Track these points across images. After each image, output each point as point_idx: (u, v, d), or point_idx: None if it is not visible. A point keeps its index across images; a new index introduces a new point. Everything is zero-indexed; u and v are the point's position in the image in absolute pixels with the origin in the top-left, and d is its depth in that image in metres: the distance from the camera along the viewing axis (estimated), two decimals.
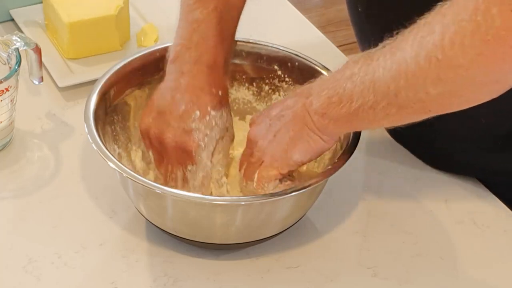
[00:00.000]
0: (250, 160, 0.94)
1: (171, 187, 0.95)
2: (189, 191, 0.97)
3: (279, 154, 0.91)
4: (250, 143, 0.94)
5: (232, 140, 1.00)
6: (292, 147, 0.91)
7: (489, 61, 0.76)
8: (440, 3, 0.79)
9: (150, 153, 0.99)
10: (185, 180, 0.97)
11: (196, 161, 0.96)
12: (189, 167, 0.97)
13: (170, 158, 0.97)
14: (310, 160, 0.92)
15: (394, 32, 0.83)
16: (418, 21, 0.81)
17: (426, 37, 0.78)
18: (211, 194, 0.98)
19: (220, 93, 0.97)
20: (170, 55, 0.98)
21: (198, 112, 0.95)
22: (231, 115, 1.00)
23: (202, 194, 0.96)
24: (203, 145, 0.96)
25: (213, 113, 0.96)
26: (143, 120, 0.98)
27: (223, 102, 0.97)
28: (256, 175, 0.93)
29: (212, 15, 0.98)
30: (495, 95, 0.80)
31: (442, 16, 0.78)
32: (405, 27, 0.82)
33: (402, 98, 0.82)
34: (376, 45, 0.85)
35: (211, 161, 0.96)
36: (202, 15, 0.97)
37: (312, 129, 0.89)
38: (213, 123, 0.96)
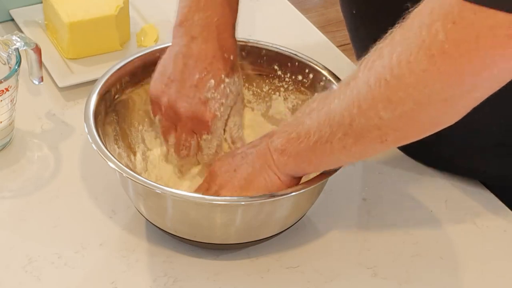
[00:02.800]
0: (206, 193, 0.93)
1: (184, 155, 0.96)
2: (202, 159, 0.97)
3: (233, 189, 0.91)
4: (210, 176, 0.94)
5: (243, 102, 1.00)
6: (248, 184, 0.90)
7: (435, 77, 0.74)
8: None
9: (157, 118, 0.98)
10: (198, 148, 0.97)
11: (212, 130, 0.96)
12: (204, 136, 0.97)
13: (185, 127, 0.96)
14: None
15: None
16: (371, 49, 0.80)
17: (376, 61, 0.78)
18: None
19: (231, 57, 0.97)
20: (177, 18, 0.97)
21: (213, 81, 0.95)
22: (241, 79, 1.00)
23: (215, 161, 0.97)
24: (219, 115, 0.96)
25: (227, 80, 0.96)
26: (153, 85, 0.97)
27: (234, 67, 0.97)
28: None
29: None
30: (456, 116, 0.78)
31: (391, 39, 0.77)
32: None
33: (356, 126, 0.80)
34: (371, 48, 0.84)
35: (224, 129, 0.96)
36: None
37: (271, 167, 0.89)
38: (228, 90, 0.96)
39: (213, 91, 0.95)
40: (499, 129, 0.99)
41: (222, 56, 0.96)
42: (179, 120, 0.97)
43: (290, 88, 1.05)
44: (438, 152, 1.05)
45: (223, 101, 0.96)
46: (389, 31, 0.78)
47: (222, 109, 0.96)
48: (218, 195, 0.92)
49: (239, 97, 0.99)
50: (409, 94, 0.76)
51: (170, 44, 1.00)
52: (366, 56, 0.80)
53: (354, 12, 1.05)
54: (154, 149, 1.03)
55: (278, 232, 0.95)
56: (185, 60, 0.95)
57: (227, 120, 0.98)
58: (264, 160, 0.89)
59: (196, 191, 0.96)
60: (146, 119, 1.04)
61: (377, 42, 0.81)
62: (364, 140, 0.82)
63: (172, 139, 0.99)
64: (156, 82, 0.97)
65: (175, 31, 0.97)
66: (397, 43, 0.76)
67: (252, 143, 0.93)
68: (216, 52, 0.95)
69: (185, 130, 0.97)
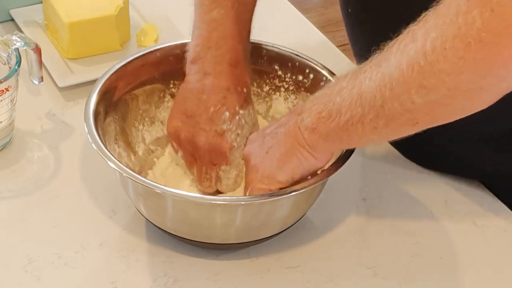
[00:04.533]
0: (246, 180, 0.94)
1: (206, 186, 0.98)
2: (222, 189, 0.99)
3: (269, 171, 0.91)
4: (245, 161, 0.95)
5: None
6: (282, 164, 0.90)
7: (470, 65, 0.74)
8: (425, 11, 0.78)
9: (179, 154, 0.99)
10: (218, 179, 0.98)
11: (230, 161, 0.97)
12: (222, 167, 0.97)
13: (204, 159, 0.97)
14: (301, 178, 0.91)
15: (380, 39, 0.82)
16: (403, 30, 0.80)
17: (408, 45, 0.77)
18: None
19: (245, 90, 0.98)
20: (190, 55, 0.98)
21: (227, 113, 0.96)
22: (255, 110, 1.01)
23: (233, 192, 0.98)
24: (236, 145, 0.97)
25: (241, 112, 0.97)
26: (170, 123, 0.98)
27: (248, 100, 0.98)
28: (248, 192, 0.93)
29: (230, 13, 0.98)
30: (485, 104, 0.78)
31: (424, 22, 0.77)
32: (394, 29, 0.81)
33: (388, 109, 0.80)
34: (366, 48, 0.84)
35: (242, 159, 0.97)
36: (220, 15, 0.97)
37: (303, 146, 0.89)
38: (243, 121, 0.97)
39: (229, 122, 0.96)
40: (496, 125, 1.00)
41: (235, 89, 0.97)
42: (198, 154, 0.98)
43: (291, 88, 1.05)
44: (436, 148, 1.05)
45: (239, 132, 0.97)
46: (422, 14, 0.77)
47: (238, 139, 0.97)
48: (254, 180, 0.92)
49: (254, 127, 0.99)
50: (443, 81, 0.76)
51: (170, 43, 1.01)
52: (398, 38, 0.80)
53: (349, 10, 1.05)
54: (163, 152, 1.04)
55: (278, 232, 0.95)
56: (199, 95, 0.97)
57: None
58: (295, 139, 0.89)
59: (246, 179, 0.95)
60: (147, 119, 1.04)
61: (372, 40, 0.81)
62: (395, 122, 0.82)
63: (194, 171, 1.00)
64: (172, 119, 0.99)
65: (188, 68, 0.99)
66: (432, 28, 0.75)
67: (279, 121, 0.93)
68: (229, 85, 0.97)
69: (205, 163, 0.98)
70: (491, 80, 0.75)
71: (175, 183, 1.01)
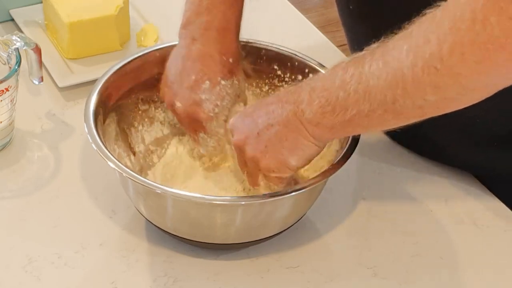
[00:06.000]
0: (248, 170, 0.94)
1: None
2: (201, 153, 1.00)
3: (275, 164, 0.90)
4: (239, 151, 0.93)
5: (246, 104, 1.00)
6: (288, 155, 0.90)
7: (489, 68, 0.75)
8: (428, 10, 0.78)
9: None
10: (197, 144, 1.00)
11: (207, 130, 0.98)
12: (201, 135, 0.98)
13: (183, 125, 1.00)
14: (307, 164, 0.92)
15: (382, 37, 0.82)
16: (406, 27, 0.80)
17: (422, 47, 0.78)
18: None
19: (231, 60, 0.98)
20: (182, 20, 0.99)
21: (208, 82, 0.96)
22: (244, 81, 1.00)
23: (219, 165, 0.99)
24: (213, 115, 0.97)
25: (223, 82, 0.97)
26: (161, 87, 1.00)
27: (234, 70, 0.98)
28: (262, 182, 0.93)
29: None
30: (491, 94, 0.80)
31: (437, 25, 0.77)
32: (397, 26, 0.81)
33: (399, 106, 0.81)
34: (367, 47, 0.84)
35: (224, 128, 0.97)
36: None
37: (307, 138, 0.88)
38: (224, 92, 0.97)
39: (208, 92, 0.97)
40: (495, 122, 1.00)
41: (220, 58, 0.97)
42: (178, 119, 1.00)
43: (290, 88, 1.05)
44: (433, 141, 1.05)
45: (218, 102, 0.97)
46: (428, 9, 0.78)
47: (217, 110, 0.97)
48: (259, 169, 0.91)
49: (239, 99, 0.99)
50: (459, 82, 0.77)
51: (170, 43, 1.01)
52: (400, 35, 0.80)
53: (351, 7, 1.05)
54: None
55: (278, 232, 0.95)
56: (184, 62, 0.98)
57: (227, 121, 0.98)
58: (298, 132, 0.88)
59: (240, 165, 0.95)
60: (146, 119, 1.04)
61: (373, 38, 0.81)
62: (404, 116, 0.83)
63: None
64: (162, 83, 1.00)
65: (179, 33, 1.00)
66: (447, 32, 0.76)
67: (268, 107, 0.90)
68: (214, 54, 0.97)
69: (184, 128, 1.00)
70: (505, 78, 0.77)
71: (176, 182, 1.01)
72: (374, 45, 0.83)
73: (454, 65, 0.76)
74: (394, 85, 0.80)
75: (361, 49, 0.84)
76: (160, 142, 1.05)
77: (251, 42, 1.05)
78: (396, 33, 0.81)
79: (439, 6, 0.77)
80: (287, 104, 0.89)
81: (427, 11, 0.78)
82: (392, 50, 0.81)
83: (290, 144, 0.89)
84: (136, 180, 0.89)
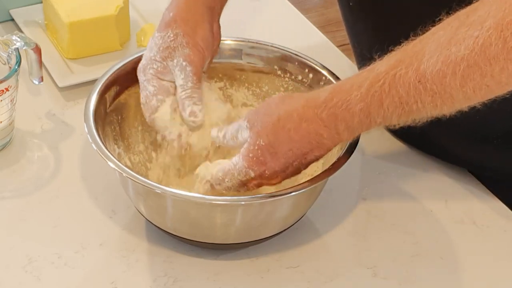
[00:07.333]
0: (260, 182, 0.91)
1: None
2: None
3: (284, 173, 0.90)
4: (259, 163, 0.89)
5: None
6: (304, 167, 0.90)
7: None
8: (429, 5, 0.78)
9: None
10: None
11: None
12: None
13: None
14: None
15: (382, 34, 0.82)
16: (404, 23, 0.79)
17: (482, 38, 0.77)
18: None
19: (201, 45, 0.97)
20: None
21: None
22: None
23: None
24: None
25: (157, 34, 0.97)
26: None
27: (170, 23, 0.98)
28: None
29: None
30: None
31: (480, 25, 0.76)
32: (400, 24, 0.81)
33: (416, 112, 0.82)
34: (368, 46, 0.83)
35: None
36: None
37: (329, 147, 0.88)
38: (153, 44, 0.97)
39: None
40: (498, 122, 1.00)
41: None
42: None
43: (290, 88, 1.05)
44: (436, 139, 1.05)
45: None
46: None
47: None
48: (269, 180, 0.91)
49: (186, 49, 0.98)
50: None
51: None
52: (438, 34, 0.79)
53: (350, 4, 1.05)
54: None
55: (278, 232, 0.95)
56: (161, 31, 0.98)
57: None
58: (327, 149, 0.89)
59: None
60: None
61: (374, 36, 0.81)
62: (419, 115, 0.84)
63: None
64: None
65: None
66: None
67: (300, 126, 0.87)
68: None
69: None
70: None
71: (176, 182, 1.01)
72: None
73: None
74: (419, 101, 0.81)
75: (364, 49, 0.83)
76: (160, 142, 1.04)
77: (251, 42, 1.05)
78: (396, 32, 0.80)
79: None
80: (321, 124, 0.87)
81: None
82: (423, 61, 0.80)
83: (309, 162, 0.89)
84: (136, 180, 0.89)
